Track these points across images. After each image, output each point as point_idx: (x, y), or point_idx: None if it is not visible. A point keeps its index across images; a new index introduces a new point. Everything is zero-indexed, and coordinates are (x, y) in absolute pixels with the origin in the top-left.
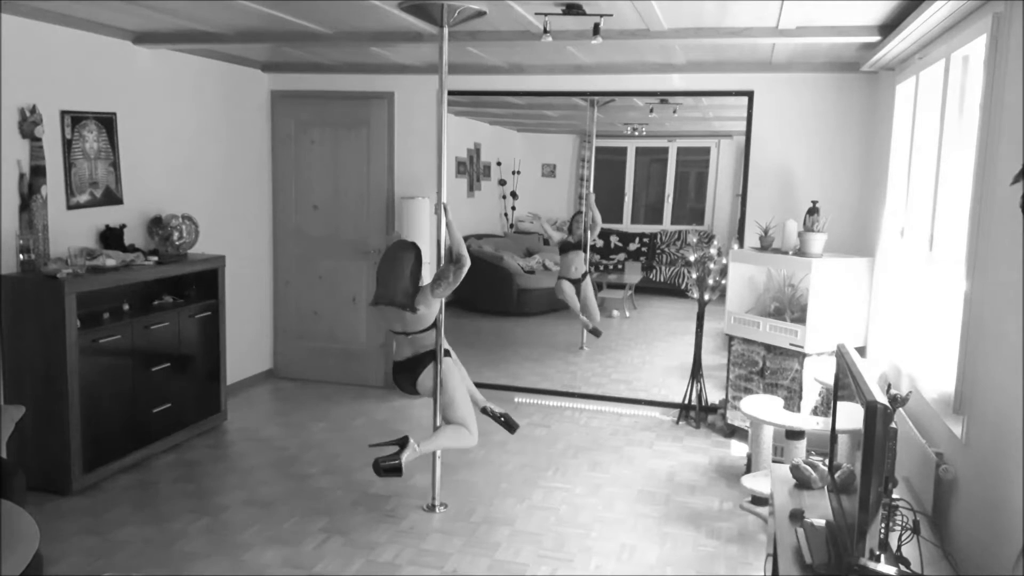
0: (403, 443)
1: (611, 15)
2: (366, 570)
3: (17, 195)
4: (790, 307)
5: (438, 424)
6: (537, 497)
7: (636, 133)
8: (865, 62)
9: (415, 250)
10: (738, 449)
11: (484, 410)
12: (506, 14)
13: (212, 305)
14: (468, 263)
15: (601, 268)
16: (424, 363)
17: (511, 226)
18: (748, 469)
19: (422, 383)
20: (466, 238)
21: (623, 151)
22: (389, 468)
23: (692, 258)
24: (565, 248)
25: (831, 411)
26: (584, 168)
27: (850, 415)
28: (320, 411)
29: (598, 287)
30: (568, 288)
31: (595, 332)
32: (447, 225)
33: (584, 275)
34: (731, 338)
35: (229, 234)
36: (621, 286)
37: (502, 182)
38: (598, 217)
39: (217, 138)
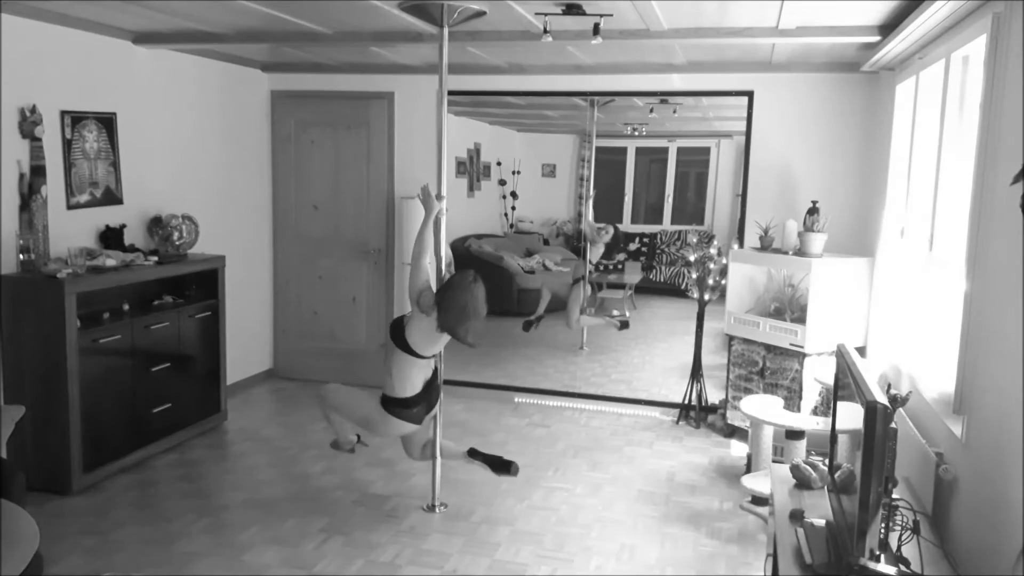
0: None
1: (611, 15)
2: (366, 570)
3: (17, 195)
4: (790, 307)
5: (436, 434)
6: (537, 497)
7: (636, 133)
8: (865, 62)
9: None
10: (738, 449)
11: (471, 453)
12: (506, 14)
13: (212, 305)
14: (420, 268)
15: (601, 268)
16: (436, 384)
17: (511, 226)
18: (748, 469)
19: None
20: (466, 238)
21: (623, 151)
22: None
23: (692, 258)
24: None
25: (831, 411)
26: (584, 168)
27: (850, 415)
28: (320, 411)
29: (598, 287)
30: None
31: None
32: (424, 225)
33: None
34: (731, 338)
35: (229, 234)
36: (621, 286)
37: (502, 182)
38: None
39: (217, 138)
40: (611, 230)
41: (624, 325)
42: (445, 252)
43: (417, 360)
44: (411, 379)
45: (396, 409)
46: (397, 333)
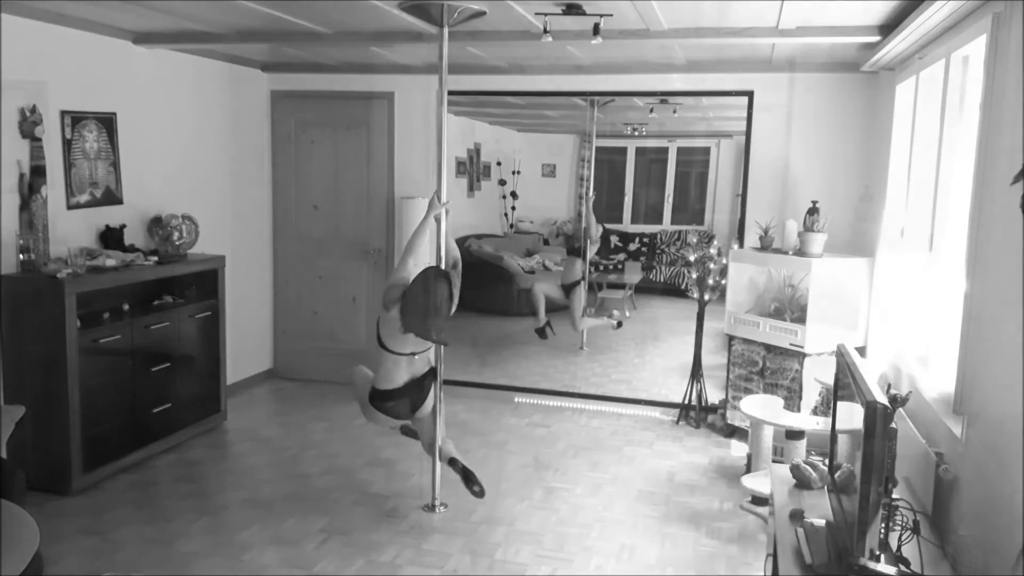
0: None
1: (611, 15)
2: (366, 570)
3: (17, 195)
4: (790, 307)
5: (437, 434)
6: (537, 497)
7: (636, 133)
8: (865, 62)
9: (447, 281)
10: (738, 449)
11: (451, 462)
12: (506, 14)
13: (212, 305)
14: (403, 265)
15: (601, 268)
16: (427, 384)
17: (511, 226)
18: (748, 469)
19: (427, 404)
20: (466, 238)
21: (623, 151)
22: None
23: (692, 258)
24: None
25: (831, 411)
26: (584, 168)
27: (850, 415)
28: (320, 411)
29: (598, 287)
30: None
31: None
32: (421, 224)
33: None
34: (731, 338)
35: (229, 234)
36: (621, 286)
37: (502, 182)
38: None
39: (217, 138)
40: (601, 228)
41: (619, 324)
42: (451, 249)
43: (398, 356)
44: (391, 374)
45: (376, 401)
46: (377, 328)
